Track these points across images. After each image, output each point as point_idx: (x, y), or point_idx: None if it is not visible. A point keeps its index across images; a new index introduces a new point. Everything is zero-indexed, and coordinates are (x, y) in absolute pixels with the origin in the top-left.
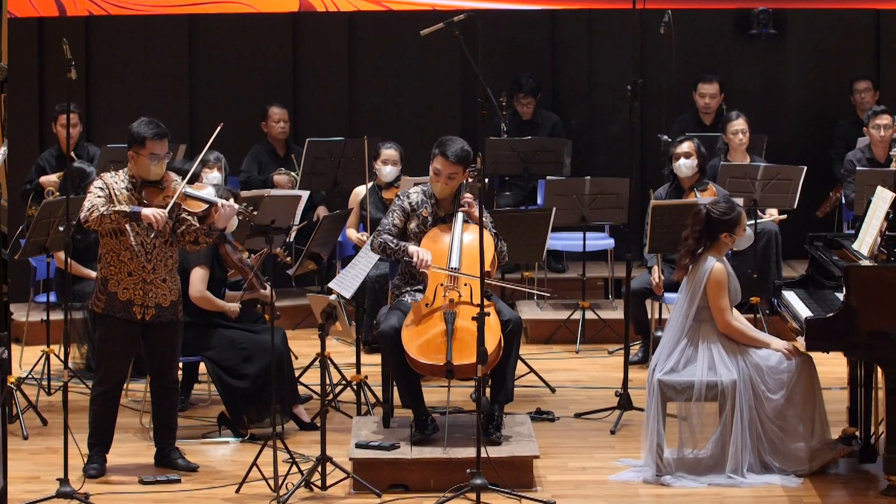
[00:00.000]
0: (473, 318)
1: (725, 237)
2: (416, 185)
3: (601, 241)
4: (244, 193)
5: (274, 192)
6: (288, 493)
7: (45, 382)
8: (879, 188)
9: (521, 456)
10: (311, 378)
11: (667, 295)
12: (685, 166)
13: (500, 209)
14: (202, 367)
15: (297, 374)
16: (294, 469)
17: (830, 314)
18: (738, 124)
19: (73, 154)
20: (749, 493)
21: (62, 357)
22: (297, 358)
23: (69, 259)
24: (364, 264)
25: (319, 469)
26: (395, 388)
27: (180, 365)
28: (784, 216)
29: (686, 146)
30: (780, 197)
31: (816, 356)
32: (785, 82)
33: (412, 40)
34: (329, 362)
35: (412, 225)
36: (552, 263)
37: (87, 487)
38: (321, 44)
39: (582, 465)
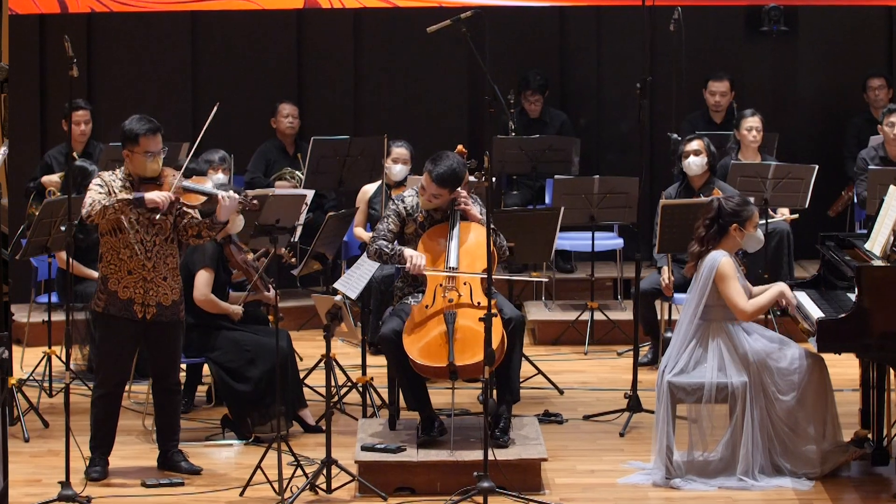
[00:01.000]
0: (481, 320)
1: (735, 229)
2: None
3: (610, 240)
4: (248, 192)
5: (278, 191)
6: (293, 497)
7: (46, 384)
8: (892, 187)
9: (529, 458)
10: (316, 380)
11: (676, 296)
12: (695, 164)
13: (507, 208)
14: (205, 368)
15: (301, 375)
16: (299, 472)
17: (842, 315)
18: (753, 121)
19: (80, 152)
20: (760, 497)
21: (64, 358)
22: (301, 359)
23: (71, 259)
24: (370, 264)
25: (324, 472)
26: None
27: (183, 367)
28: (795, 216)
29: (695, 144)
30: (792, 196)
31: (828, 357)
32: (796, 80)
33: (419, 37)
34: (334, 364)
35: (409, 229)
36: (560, 264)
37: (88, 491)
38: (326, 41)
39: (590, 468)
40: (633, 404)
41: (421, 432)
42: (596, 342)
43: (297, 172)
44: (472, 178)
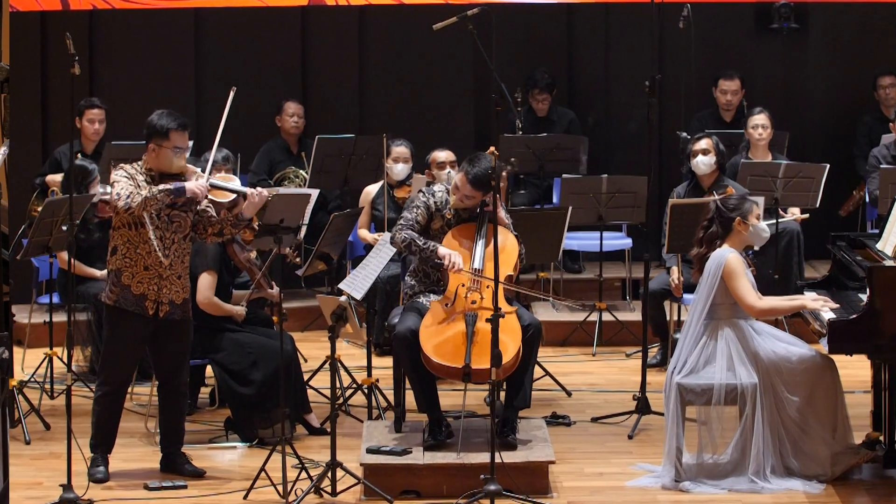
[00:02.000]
0: (487, 321)
1: (739, 223)
2: (428, 183)
3: (618, 240)
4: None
5: (283, 190)
6: (297, 500)
7: (47, 386)
8: None
9: (537, 461)
10: (321, 381)
11: (686, 296)
12: (703, 163)
13: (514, 208)
14: (209, 370)
15: (306, 377)
16: (303, 475)
17: (854, 316)
18: (759, 119)
19: (91, 152)
20: (770, 500)
21: (65, 360)
22: (306, 361)
23: (73, 259)
24: (375, 265)
25: (329, 475)
26: (409, 392)
27: None
28: (806, 215)
29: (704, 143)
30: (803, 195)
31: (839, 359)
32: (807, 78)
33: (425, 35)
34: (339, 365)
35: (436, 225)
36: (568, 264)
37: (91, 493)
38: (331, 39)
39: (599, 471)
40: (642, 406)
41: (428, 435)
42: (604, 343)
43: (301, 172)
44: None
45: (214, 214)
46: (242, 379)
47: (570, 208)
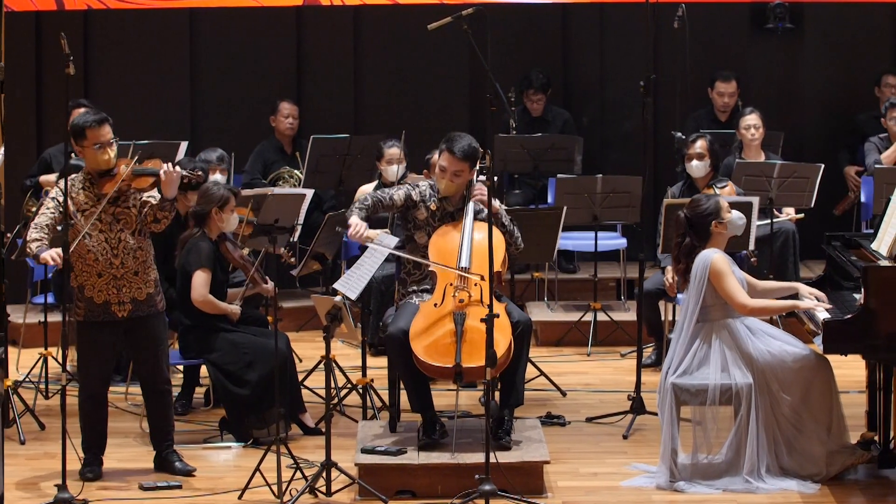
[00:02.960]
0: (482, 320)
1: (716, 226)
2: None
3: (613, 240)
4: (246, 192)
5: (277, 190)
6: (292, 500)
7: (42, 386)
8: None
9: (531, 461)
10: (316, 381)
11: (680, 296)
12: (698, 167)
13: (509, 208)
14: (203, 370)
15: (301, 377)
16: (298, 475)
17: (848, 316)
18: (751, 119)
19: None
20: (765, 500)
21: (60, 360)
22: (300, 361)
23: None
24: (370, 265)
25: (324, 475)
26: (403, 392)
27: (181, 368)
28: (801, 215)
29: (699, 147)
30: (797, 195)
31: (835, 359)
32: (801, 78)
33: (419, 35)
34: (334, 365)
35: (421, 216)
36: (563, 264)
37: (86, 493)
38: (326, 39)
39: (593, 471)
40: (637, 406)
41: (422, 434)
42: (599, 343)
43: (295, 172)
44: (482, 178)
45: (153, 201)
46: (237, 379)
47: (565, 208)
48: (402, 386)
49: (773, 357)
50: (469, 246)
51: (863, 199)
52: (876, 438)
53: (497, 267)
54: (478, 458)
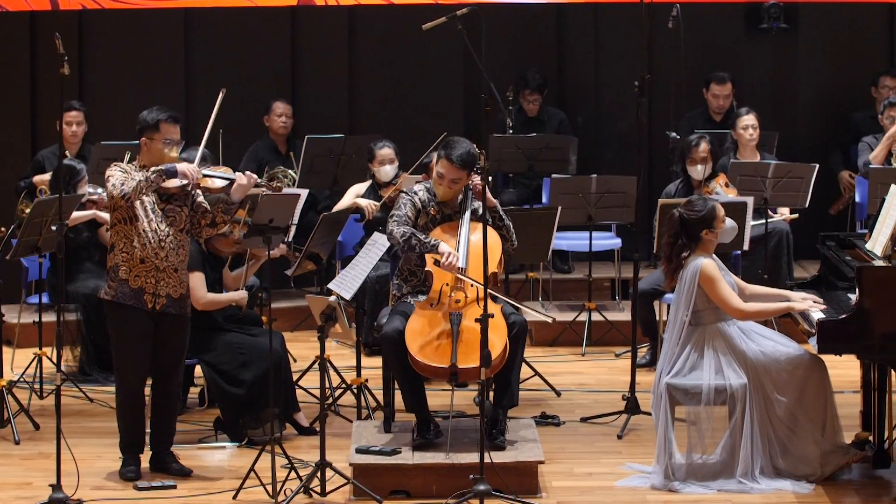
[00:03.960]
0: (477, 320)
1: (706, 234)
2: (417, 182)
3: (608, 240)
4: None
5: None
6: (286, 500)
7: (37, 386)
8: (894, 186)
9: (526, 461)
10: (311, 381)
11: (669, 295)
12: (701, 171)
13: (504, 207)
14: (198, 370)
15: (295, 377)
16: (293, 475)
17: (843, 316)
18: (748, 119)
19: (74, 155)
20: (759, 500)
21: (55, 360)
22: (295, 361)
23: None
24: (365, 264)
25: (319, 475)
26: (398, 392)
27: None
28: (795, 215)
29: (703, 150)
30: (792, 195)
31: (829, 359)
32: (796, 78)
33: (414, 35)
34: (328, 365)
35: (421, 221)
36: (557, 264)
37: (80, 493)
38: (321, 39)
39: (588, 471)
40: (632, 406)
41: (416, 434)
42: (594, 343)
43: (289, 172)
44: (477, 178)
45: (208, 207)
46: (232, 379)
47: (560, 208)
48: (396, 386)
49: (767, 357)
50: (465, 247)
51: (857, 199)
52: (870, 438)
53: (493, 268)
54: (472, 458)
